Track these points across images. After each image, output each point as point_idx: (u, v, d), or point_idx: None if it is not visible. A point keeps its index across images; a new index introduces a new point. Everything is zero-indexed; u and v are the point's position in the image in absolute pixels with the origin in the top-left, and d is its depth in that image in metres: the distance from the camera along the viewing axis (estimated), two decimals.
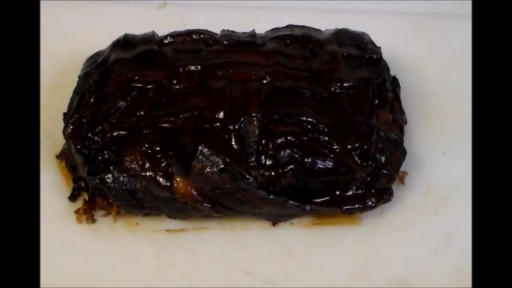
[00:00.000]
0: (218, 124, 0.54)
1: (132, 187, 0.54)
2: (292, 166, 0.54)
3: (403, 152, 0.57)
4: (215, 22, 0.63)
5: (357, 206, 0.55)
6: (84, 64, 0.61)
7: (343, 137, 0.54)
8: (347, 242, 0.57)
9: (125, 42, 0.60)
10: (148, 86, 0.57)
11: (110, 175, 0.54)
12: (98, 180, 0.54)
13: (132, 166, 0.54)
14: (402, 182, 0.59)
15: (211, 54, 0.59)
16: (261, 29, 0.63)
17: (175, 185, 0.53)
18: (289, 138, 0.54)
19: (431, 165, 0.60)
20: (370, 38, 0.62)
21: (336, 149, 0.54)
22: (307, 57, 0.59)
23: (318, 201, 0.55)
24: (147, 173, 0.54)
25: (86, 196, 0.58)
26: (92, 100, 0.57)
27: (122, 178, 0.54)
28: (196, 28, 0.61)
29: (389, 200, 0.56)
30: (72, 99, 0.58)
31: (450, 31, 0.69)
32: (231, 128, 0.54)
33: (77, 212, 0.57)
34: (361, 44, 0.61)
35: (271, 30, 0.63)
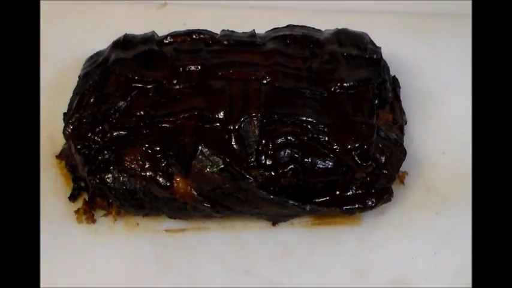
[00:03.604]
0: (218, 124, 0.54)
1: (132, 187, 0.54)
2: (292, 166, 0.54)
3: (403, 152, 0.57)
4: (215, 22, 0.63)
5: (357, 206, 0.55)
6: (84, 64, 0.61)
7: (343, 137, 0.54)
8: (347, 242, 0.57)
9: (125, 42, 0.60)
10: (148, 86, 0.57)
11: (110, 175, 0.54)
12: (98, 180, 0.54)
13: (132, 166, 0.54)
14: (402, 182, 0.59)
15: (211, 54, 0.59)
16: (261, 29, 0.63)
17: (175, 185, 0.53)
18: (289, 138, 0.54)
19: (431, 165, 0.60)
20: (370, 38, 0.62)
21: (336, 149, 0.54)
22: (307, 57, 0.59)
23: (318, 201, 0.55)
24: (147, 173, 0.54)
25: (86, 196, 0.58)
26: (92, 100, 0.57)
27: (122, 178, 0.54)
28: (196, 28, 0.61)
29: (389, 200, 0.56)
30: (72, 99, 0.58)
31: (450, 31, 0.69)
32: (231, 128, 0.54)
33: (77, 212, 0.57)
34: (361, 44, 0.61)
35: (271, 30, 0.63)
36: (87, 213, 0.57)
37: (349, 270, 0.55)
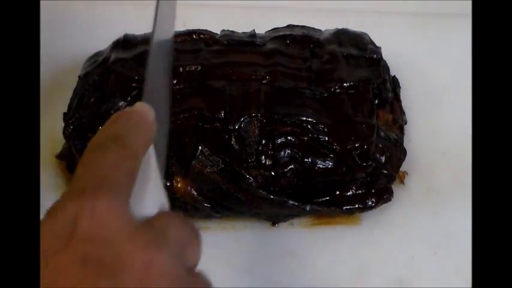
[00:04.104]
0: (218, 124, 0.54)
1: None
2: (292, 166, 0.54)
3: (403, 152, 0.57)
4: (215, 22, 0.63)
5: (357, 206, 0.55)
6: (84, 64, 0.61)
7: (343, 137, 0.54)
8: (347, 242, 0.57)
9: (125, 42, 0.60)
10: None
11: None
12: None
13: None
14: (402, 182, 0.59)
15: (211, 54, 0.59)
16: (261, 29, 0.63)
17: (175, 185, 0.53)
18: (289, 138, 0.54)
19: (431, 165, 0.60)
20: (370, 38, 0.62)
21: (336, 149, 0.54)
22: (307, 57, 0.59)
23: (318, 201, 0.55)
24: None
25: None
26: (92, 100, 0.57)
27: None
28: (196, 28, 0.61)
29: (389, 200, 0.56)
30: (72, 99, 0.58)
31: (450, 31, 0.69)
32: (231, 128, 0.54)
33: None
34: (361, 44, 0.61)
35: (271, 30, 0.63)
36: None
37: (349, 270, 0.55)
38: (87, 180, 0.31)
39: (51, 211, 0.31)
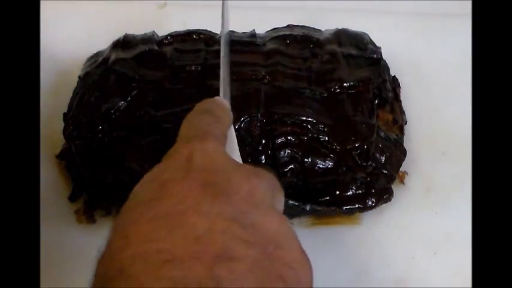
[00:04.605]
0: None
1: (132, 187, 0.54)
2: (292, 166, 0.53)
3: (403, 152, 0.57)
4: (215, 22, 0.63)
5: (357, 206, 0.55)
6: (84, 64, 0.61)
7: (343, 137, 0.54)
8: (347, 242, 0.57)
9: (125, 42, 0.60)
10: (148, 86, 0.57)
11: (110, 175, 0.54)
12: (98, 180, 0.54)
13: (132, 166, 0.54)
14: (402, 182, 0.59)
15: (211, 54, 0.59)
16: (261, 29, 0.63)
17: None
18: (289, 138, 0.54)
19: (431, 165, 0.60)
20: (370, 38, 0.62)
21: (336, 149, 0.54)
22: (307, 57, 0.59)
23: (317, 201, 0.55)
24: None
25: (86, 196, 0.57)
26: (92, 100, 0.57)
27: (122, 178, 0.54)
28: (196, 28, 0.61)
29: (389, 200, 0.56)
30: (72, 99, 0.58)
31: (450, 31, 0.69)
32: None
33: (77, 212, 0.57)
34: (361, 44, 0.61)
35: (271, 30, 0.63)
36: (87, 213, 0.57)
37: (349, 270, 0.55)
38: (193, 132, 0.40)
39: (168, 155, 0.38)
